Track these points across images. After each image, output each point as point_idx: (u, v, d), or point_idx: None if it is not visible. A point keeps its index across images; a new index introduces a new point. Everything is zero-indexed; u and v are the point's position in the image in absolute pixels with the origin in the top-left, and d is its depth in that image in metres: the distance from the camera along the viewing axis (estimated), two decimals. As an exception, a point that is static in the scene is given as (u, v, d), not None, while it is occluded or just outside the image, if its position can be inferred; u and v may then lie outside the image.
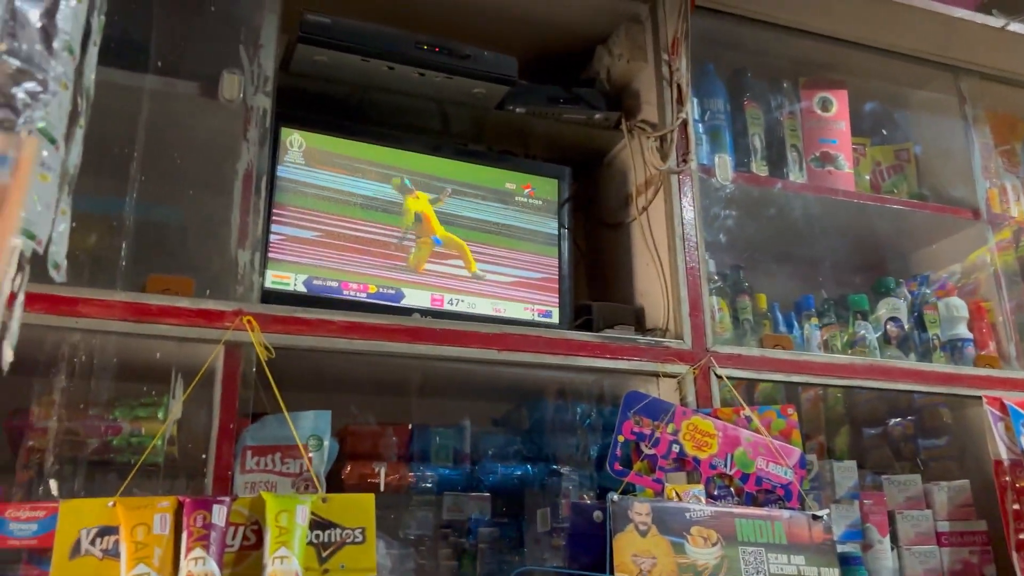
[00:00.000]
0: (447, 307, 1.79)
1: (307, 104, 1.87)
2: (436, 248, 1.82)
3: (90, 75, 0.95)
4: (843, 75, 2.34)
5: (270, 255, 1.65)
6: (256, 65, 1.65)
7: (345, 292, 1.72)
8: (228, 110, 1.62)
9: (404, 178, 1.83)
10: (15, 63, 0.68)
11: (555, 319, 1.88)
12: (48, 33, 0.71)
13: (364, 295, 1.73)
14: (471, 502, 1.83)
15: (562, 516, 1.78)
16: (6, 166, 0.41)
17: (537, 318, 1.87)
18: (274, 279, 1.65)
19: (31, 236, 0.81)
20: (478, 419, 2.00)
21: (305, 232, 1.71)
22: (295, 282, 1.68)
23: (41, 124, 0.80)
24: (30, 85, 0.68)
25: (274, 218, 1.68)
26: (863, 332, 2.10)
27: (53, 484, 1.46)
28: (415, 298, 1.77)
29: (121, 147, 1.60)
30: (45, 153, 0.85)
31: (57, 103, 0.78)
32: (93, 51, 0.95)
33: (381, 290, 1.75)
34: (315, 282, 1.69)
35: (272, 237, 1.67)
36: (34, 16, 0.70)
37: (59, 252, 0.88)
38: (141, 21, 1.66)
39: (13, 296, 0.73)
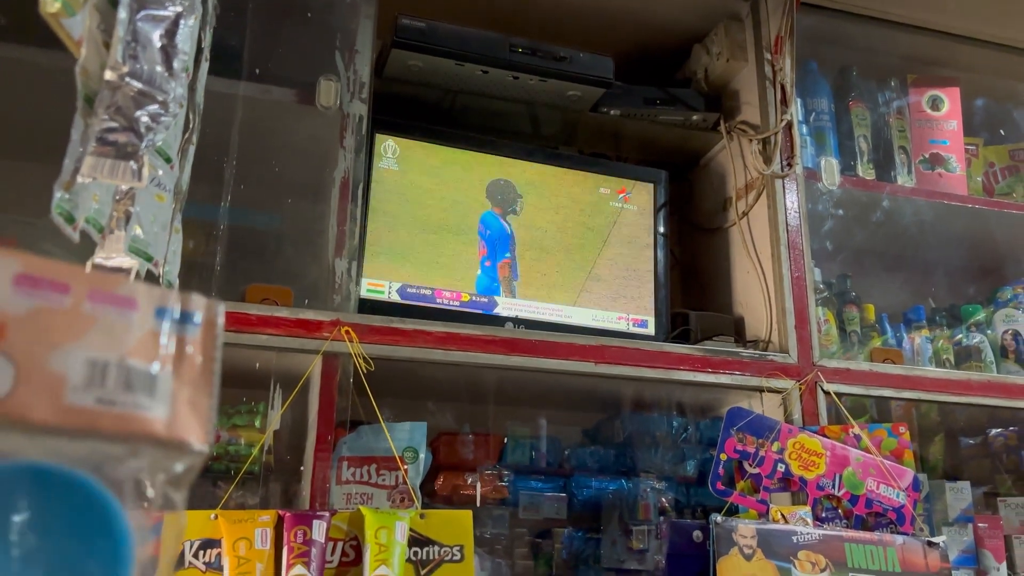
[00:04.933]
0: (540, 316, 1.75)
1: (397, 109, 1.85)
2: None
3: (201, 91, 0.94)
4: (955, 71, 2.22)
5: (365, 263, 1.64)
6: (352, 71, 1.64)
7: (439, 300, 1.69)
8: (325, 117, 1.60)
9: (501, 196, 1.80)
10: (137, 85, 0.66)
11: (651, 329, 1.82)
12: (168, 54, 0.69)
13: (457, 303, 1.70)
14: (547, 501, 1.79)
15: (656, 533, 1.73)
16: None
17: (632, 328, 1.81)
18: (369, 287, 1.64)
19: (148, 258, 0.80)
20: (568, 429, 1.96)
21: (399, 240, 1.69)
22: (389, 290, 1.66)
23: (159, 143, 0.78)
24: (152, 108, 0.66)
25: (369, 226, 1.66)
26: (978, 345, 1.98)
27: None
28: (508, 307, 1.73)
29: (219, 154, 1.60)
30: (160, 172, 0.84)
31: (175, 123, 0.77)
32: (204, 67, 0.94)
33: (474, 298, 1.72)
34: (409, 290, 1.67)
35: (367, 245, 1.65)
36: (155, 37, 0.68)
37: (172, 272, 0.87)
38: (235, 28, 1.66)
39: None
